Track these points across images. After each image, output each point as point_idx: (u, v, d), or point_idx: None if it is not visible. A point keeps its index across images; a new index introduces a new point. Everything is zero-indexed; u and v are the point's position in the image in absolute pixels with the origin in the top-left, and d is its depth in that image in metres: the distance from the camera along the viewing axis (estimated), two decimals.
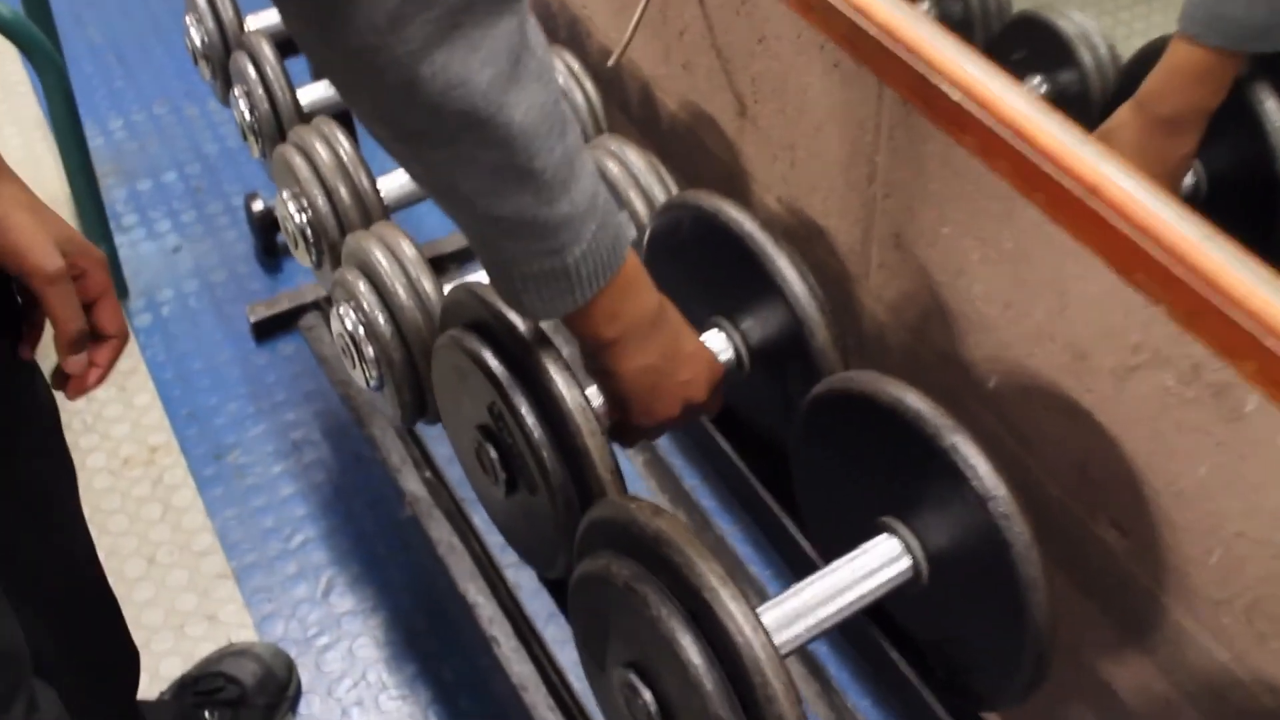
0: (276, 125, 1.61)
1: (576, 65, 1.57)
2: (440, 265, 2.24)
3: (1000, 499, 0.98)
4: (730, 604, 0.90)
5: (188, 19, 1.80)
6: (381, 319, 1.31)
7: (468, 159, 0.80)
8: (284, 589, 1.81)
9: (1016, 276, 1.18)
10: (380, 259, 1.32)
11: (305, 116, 1.61)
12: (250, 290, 2.29)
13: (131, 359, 2.16)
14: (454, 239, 2.27)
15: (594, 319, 0.97)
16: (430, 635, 1.75)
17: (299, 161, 1.47)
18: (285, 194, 1.50)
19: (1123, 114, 1.25)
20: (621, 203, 1.41)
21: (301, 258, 1.52)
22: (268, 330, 2.19)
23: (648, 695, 0.97)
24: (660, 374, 1.05)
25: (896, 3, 1.18)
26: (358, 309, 1.33)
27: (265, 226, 2.26)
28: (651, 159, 1.44)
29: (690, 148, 1.72)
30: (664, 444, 1.88)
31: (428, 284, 1.31)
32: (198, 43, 1.79)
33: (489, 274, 0.96)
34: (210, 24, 1.75)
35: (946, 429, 1.00)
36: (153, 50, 2.91)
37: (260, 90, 1.61)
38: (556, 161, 0.83)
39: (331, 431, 2.03)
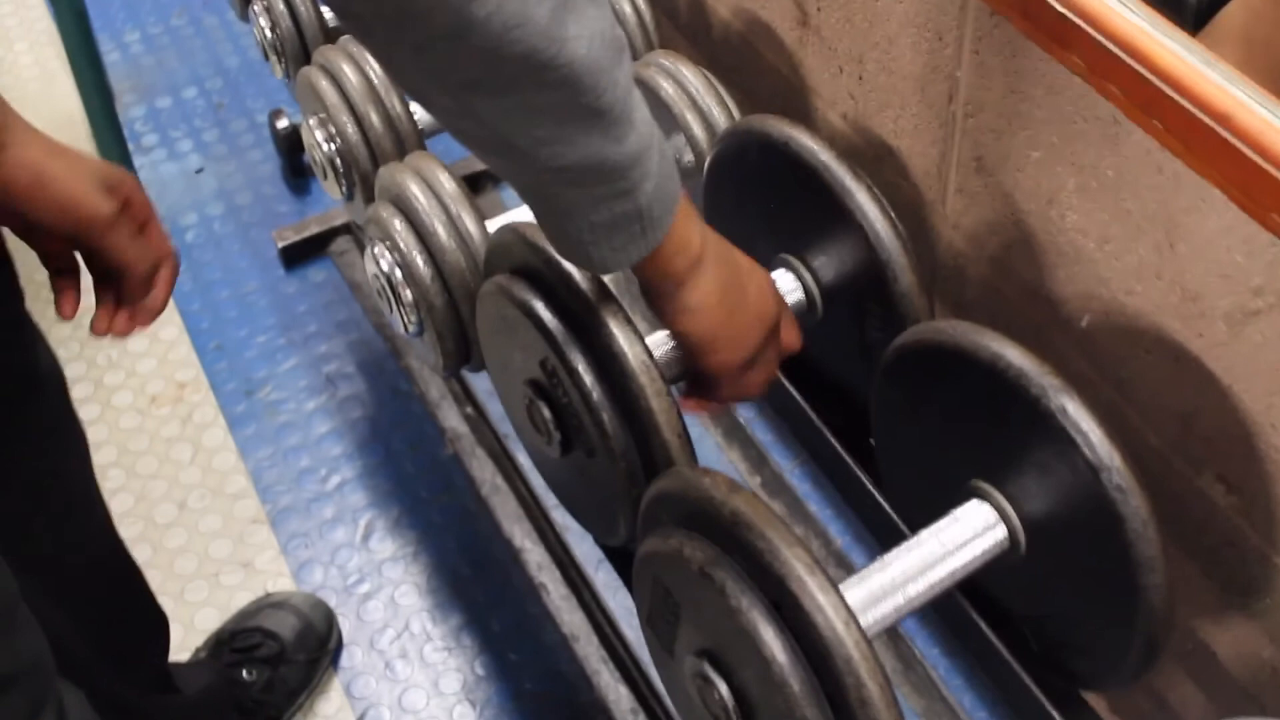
0: (300, 44, 1.49)
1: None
2: (476, 184, 2.14)
3: (1114, 470, 0.88)
4: (819, 596, 0.80)
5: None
6: (420, 261, 1.21)
7: (530, 107, 0.70)
8: (322, 534, 1.73)
9: (1119, 208, 1.07)
10: (417, 194, 1.21)
11: (331, 34, 1.50)
12: (277, 213, 2.18)
13: None
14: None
15: (666, 256, 0.87)
16: (475, 582, 1.67)
17: (325, 85, 1.35)
18: (311, 121, 1.39)
19: None
20: (678, 126, 1.29)
21: (331, 189, 1.42)
22: (296, 256, 2.09)
23: (724, 689, 0.87)
24: (733, 299, 0.94)
25: None
26: (394, 249, 1.23)
27: (291, 146, 2.14)
28: (708, 77, 1.32)
29: (745, 60, 1.60)
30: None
31: (470, 221, 1.21)
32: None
33: (548, 232, 0.85)
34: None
35: (1054, 389, 0.90)
36: None
37: (281, 5, 1.49)
38: (622, 93, 0.74)
39: (367, 364, 1.94)
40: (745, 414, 1.76)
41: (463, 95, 0.70)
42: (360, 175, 1.35)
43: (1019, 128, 1.14)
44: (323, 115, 1.36)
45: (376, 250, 1.25)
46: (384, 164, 1.32)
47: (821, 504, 1.69)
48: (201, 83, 2.44)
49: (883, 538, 1.15)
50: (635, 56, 1.42)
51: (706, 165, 1.23)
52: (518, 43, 0.65)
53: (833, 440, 1.18)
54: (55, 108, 2.31)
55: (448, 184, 1.22)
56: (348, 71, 1.35)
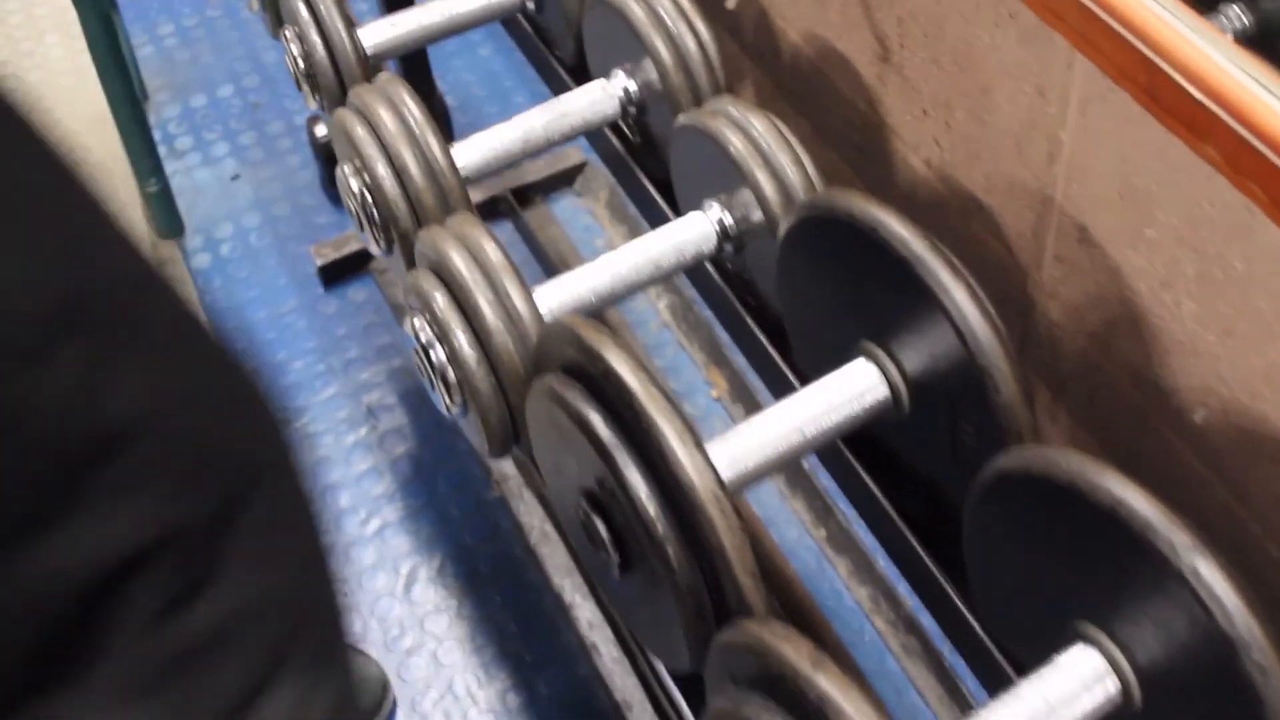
0: (336, 78, 1.38)
1: (686, 2, 1.32)
2: (524, 197, 2.03)
3: (1255, 647, 0.77)
4: None
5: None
6: (464, 341, 1.10)
7: None
8: (362, 582, 1.64)
9: (1247, 304, 0.95)
10: (461, 267, 1.11)
11: (370, 68, 1.39)
12: (316, 225, 2.08)
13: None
14: (538, 166, 2.04)
15: None
16: (522, 639, 1.58)
17: (361, 133, 1.25)
18: (346, 168, 1.28)
19: None
20: (746, 183, 1.18)
21: (370, 244, 1.31)
22: (336, 274, 1.99)
23: None
24: None
25: None
26: (434, 323, 1.12)
27: (330, 155, 2.03)
28: (779, 128, 1.20)
29: (816, 90, 1.48)
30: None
31: (518, 298, 1.10)
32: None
33: None
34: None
35: (1184, 548, 0.79)
36: None
37: (314, 34, 1.38)
38: None
39: (409, 395, 1.84)
40: (810, 462, 1.65)
41: None
42: (400, 233, 1.24)
43: (1132, 202, 1.03)
44: (358, 164, 1.26)
45: (417, 323, 1.14)
46: (426, 223, 1.21)
47: (890, 562, 1.58)
48: (238, 80, 2.34)
49: (986, 678, 1.05)
50: (700, 98, 1.30)
51: (781, 234, 1.12)
52: None
53: (917, 547, 1.07)
54: (86, 108, 2.21)
55: (494, 254, 1.11)
56: (385, 118, 1.24)
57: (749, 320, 1.28)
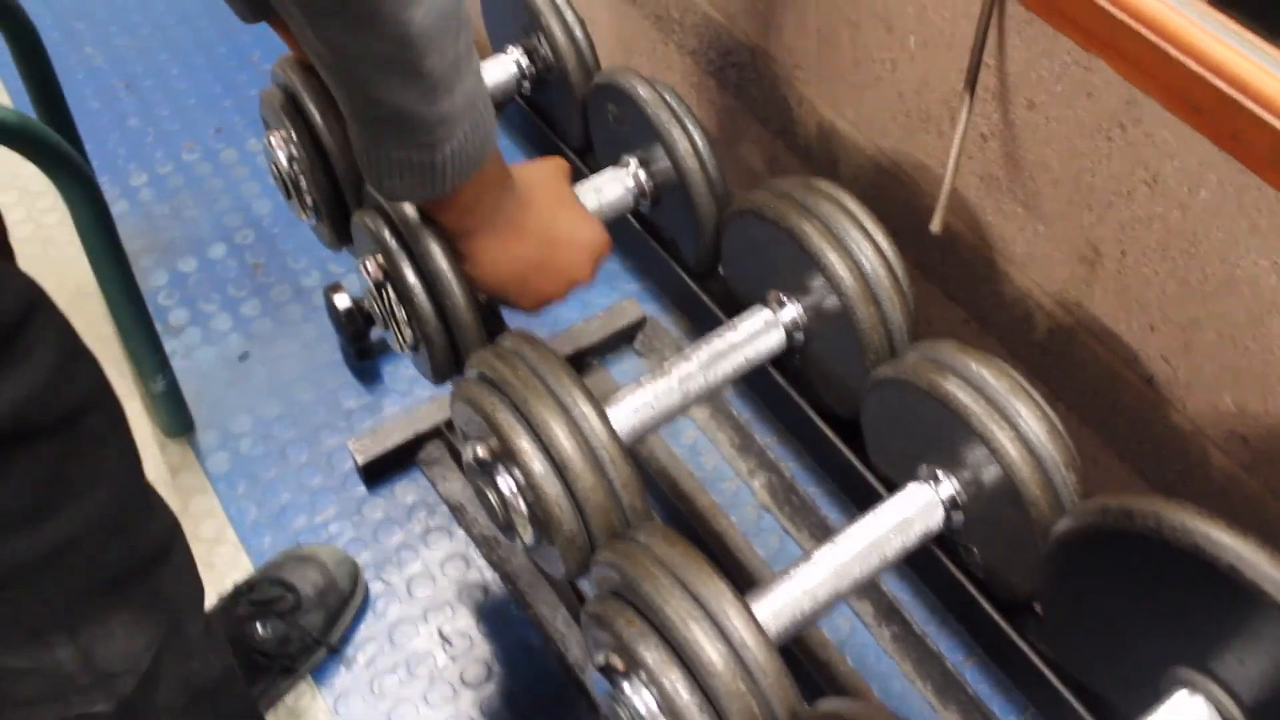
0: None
1: (881, 236, 1.11)
2: (581, 362, 1.81)
3: None
4: None
5: (272, 138, 1.33)
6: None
7: (365, 47, 0.82)
8: None
9: None
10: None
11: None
12: (345, 411, 1.84)
13: (214, 519, 1.73)
14: (594, 326, 1.83)
15: (452, 209, 1.02)
16: None
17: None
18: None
19: None
20: (981, 439, 0.97)
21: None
22: (379, 471, 1.75)
23: None
24: (531, 264, 1.08)
25: None
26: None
27: (356, 330, 1.79)
28: (1025, 387, 1.00)
29: (1019, 317, 1.28)
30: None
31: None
32: (283, 163, 1.33)
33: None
34: (308, 154, 1.28)
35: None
36: (168, 74, 2.40)
37: (416, 281, 1.15)
38: (447, 64, 0.85)
39: (489, 613, 1.61)
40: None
41: (318, 21, 0.81)
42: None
43: None
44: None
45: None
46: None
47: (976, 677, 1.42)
48: (229, 237, 2.09)
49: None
50: (891, 335, 1.09)
51: (1055, 533, 0.91)
52: None
53: None
54: (61, 276, 1.95)
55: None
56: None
57: None
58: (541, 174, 1.10)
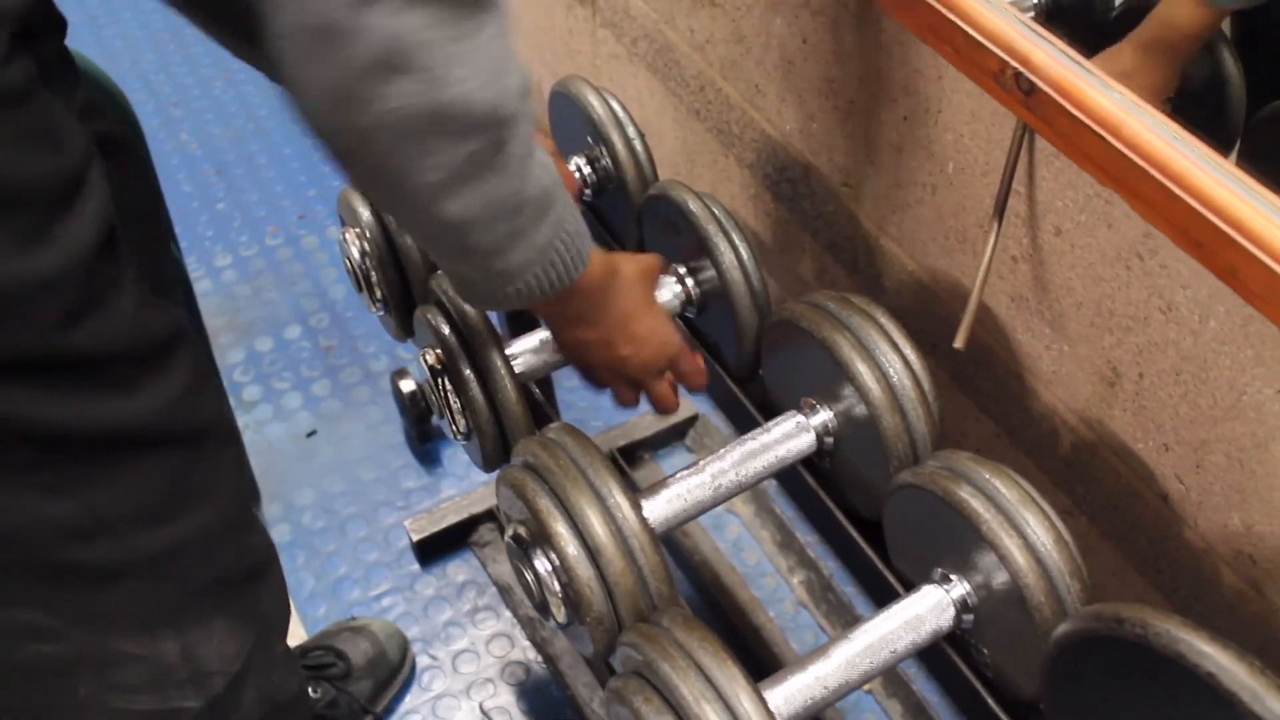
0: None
1: (909, 349, 1.18)
2: (632, 455, 1.88)
3: None
4: None
5: (346, 234, 1.42)
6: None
7: (402, 221, 0.97)
8: None
9: None
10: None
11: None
12: (404, 491, 1.93)
13: None
14: (646, 421, 1.90)
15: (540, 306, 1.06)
16: None
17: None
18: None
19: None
20: (992, 547, 1.03)
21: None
22: (433, 550, 1.83)
23: None
24: (595, 349, 1.12)
25: None
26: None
27: (419, 414, 1.88)
28: (1028, 492, 1.05)
29: (1045, 432, 1.34)
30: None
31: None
32: (356, 257, 1.42)
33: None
34: (379, 251, 1.38)
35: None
36: (257, 161, 2.54)
37: (470, 375, 1.24)
38: (498, 238, 0.87)
39: (529, 691, 1.68)
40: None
41: (358, 185, 0.95)
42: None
43: None
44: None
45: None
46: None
47: None
48: (305, 319, 2.19)
49: None
50: (915, 442, 1.15)
51: (1055, 637, 0.97)
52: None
53: None
54: None
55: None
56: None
57: None
58: (634, 272, 1.12)
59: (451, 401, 1.26)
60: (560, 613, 1.07)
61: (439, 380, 1.26)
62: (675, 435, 1.93)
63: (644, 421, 1.90)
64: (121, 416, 0.87)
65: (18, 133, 0.78)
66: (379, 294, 1.42)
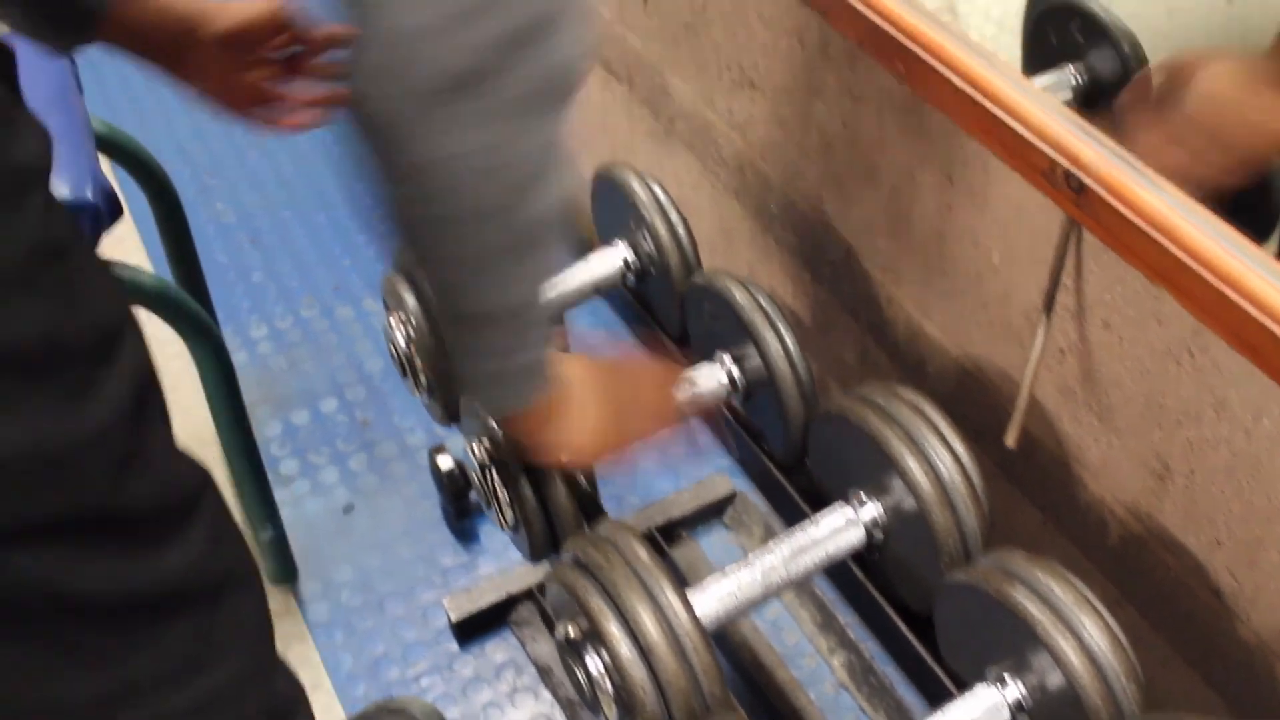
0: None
1: (959, 444, 1.18)
2: (670, 533, 1.88)
3: None
4: None
5: (391, 319, 1.43)
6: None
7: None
8: None
9: None
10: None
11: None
12: (442, 568, 1.92)
13: (311, 667, 1.80)
14: (684, 499, 1.90)
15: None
16: None
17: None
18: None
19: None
20: (1045, 646, 1.02)
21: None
22: (472, 629, 1.82)
23: None
24: (604, 436, 1.08)
25: None
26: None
27: (457, 490, 1.88)
28: (1102, 616, 1.05)
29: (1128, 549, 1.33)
30: None
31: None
32: (401, 344, 1.43)
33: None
34: (424, 337, 1.38)
35: None
36: (292, 232, 2.55)
37: (518, 467, 1.24)
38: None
39: None
40: None
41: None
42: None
43: None
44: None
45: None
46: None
47: None
48: (341, 393, 2.20)
49: None
50: (966, 540, 1.15)
51: None
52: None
53: None
54: (181, 421, 2.07)
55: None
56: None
57: None
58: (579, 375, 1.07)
59: (499, 493, 1.26)
60: (613, 713, 1.07)
61: (486, 472, 1.26)
62: (713, 513, 1.92)
63: (681, 499, 1.90)
64: (153, 577, 0.85)
65: (66, 286, 0.77)
66: (424, 380, 1.43)
